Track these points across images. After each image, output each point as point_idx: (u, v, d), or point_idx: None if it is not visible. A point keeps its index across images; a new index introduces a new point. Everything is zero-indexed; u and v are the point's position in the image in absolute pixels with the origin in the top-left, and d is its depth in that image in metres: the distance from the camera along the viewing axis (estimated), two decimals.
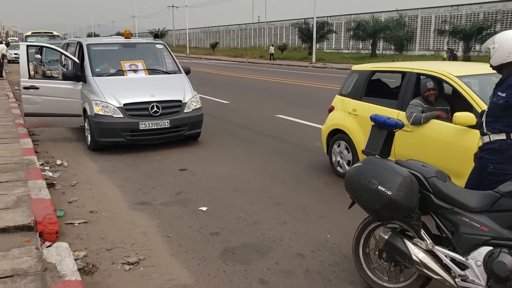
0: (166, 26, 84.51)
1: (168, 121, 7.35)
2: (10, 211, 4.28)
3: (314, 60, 38.78)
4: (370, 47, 42.74)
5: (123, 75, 7.81)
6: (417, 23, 44.19)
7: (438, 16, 42.08)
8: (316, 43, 43.22)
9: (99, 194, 5.47)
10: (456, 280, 2.86)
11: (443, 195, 2.95)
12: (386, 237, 3.12)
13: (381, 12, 47.85)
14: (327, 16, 53.22)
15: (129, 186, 5.75)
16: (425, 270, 2.95)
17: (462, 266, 2.86)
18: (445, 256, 2.93)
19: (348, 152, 5.90)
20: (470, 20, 37.55)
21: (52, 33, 24.46)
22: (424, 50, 42.82)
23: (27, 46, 7.86)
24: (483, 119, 3.51)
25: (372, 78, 5.99)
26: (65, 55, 8.32)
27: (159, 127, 7.29)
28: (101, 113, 7.06)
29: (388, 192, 2.84)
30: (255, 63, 41.71)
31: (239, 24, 72.77)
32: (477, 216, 2.84)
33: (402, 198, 2.83)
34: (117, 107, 7.09)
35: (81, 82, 7.80)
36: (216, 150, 7.64)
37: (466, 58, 32.03)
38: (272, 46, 47.00)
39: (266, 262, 3.80)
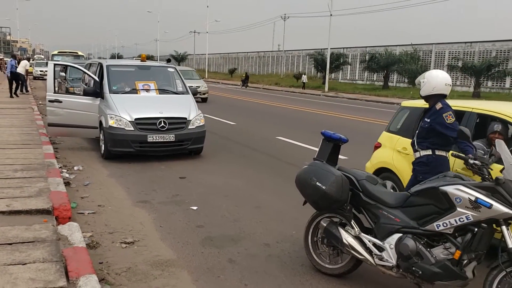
0: (187, 50, 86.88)
1: (174, 135, 8.29)
2: (33, 198, 5.20)
3: (326, 89, 39.81)
4: (383, 79, 43.64)
5: (137, 93, 8.84)
6: (431, 57, 45.12)
7: (451, 52, 42.97)
8: (331, 73, 44.35)
9: (107, 193, 6.38)
10: (375, 259, 3.66)
11: (369, 194, 3.78)
12: (325, 225, 3.95)
13: (396, 45, 48.97)
14: (343, 48, 54.58)
15: (134, 188, 6.65)
16: (353, 252, 3.76)
17: (380, 249, 3.67)
18: (369, 241, 3.74)
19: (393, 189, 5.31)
20: (483, 57, 38.28)
21: (77, 53, 25.95)
22: None
23: (55, 64, 8.97)
24: (414, 139, 4.39)
25: None
26: (87, 74, 9.40)
27: (165, 140, 8.24)
28: (115, 125, 8.05)
29: (323, 187, 3.69)
30: (269, 89, 42.92)
31: (258, 52, 74.67)
32: (393, 210, 3.66)
33: (333, 192, 3.67)
34: (129, 121, 8.08)
35: (99, 98, 8.83)
36: (215, 164, 8.53)
37: (476, 94, 32.68)
38: (305, 75, 46.77)
39: (237, 248, 4.62)
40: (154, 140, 8.16)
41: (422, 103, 5.03)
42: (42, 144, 8.46)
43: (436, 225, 3.39)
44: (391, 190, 3.90)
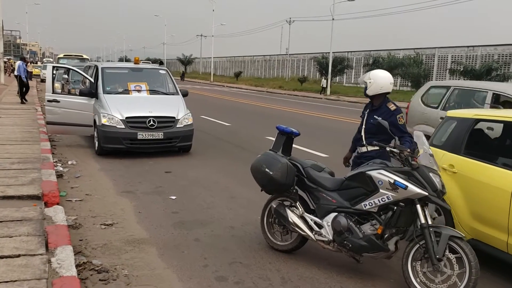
0: (193, 54, 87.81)
1: (162, 133, 8.87)
2: (25, 186, 5.79)
3: (328, 92, 40.31)
4: None
5: (129, 93, 9.46)
6: (434, 61, 45.47)
7: (454, 56, 43.31)
8: (335, 77, 44.79)
9: (95, 184, 6.96)
10: (315, 235, 4.19)
11: (312, 179, 4.31)
12: (275, 206, 4.50)
13: (400, 49, 49.36)
14: (347, 51, 55.04)
15: (121, 180, 7.22)
16: (297, 229, 4.30)
17: (320, 226, 4.20)
18: (310, 219, 4.27)
19: (440, 215, 4.73)
20: (485, 61, 38.55)
21: (82, 56, 26.67)
22: None
23: (53, 67, 9.61)
24: (362, 135, 4.86)
25: (475, 128, 4.84)
26: (82, 75, 10.02)
27: (154, 138, 8.82)
28: (107, 123, 8.64)
29: (270, 172, 4.24)
30: (273, 93, 43.49)
31: (264, 55, 75.33)
32: (331, 193, 4.20)
33: (279, 177, 4.21)
34: (120, 119, 8.67)
35: (94, 98, 9.44)
36: (201, 160, 9.09)
37: None
38: (325, 79, 43.03)
39: (205, 229, 5.17)
40: (143, 138, 8.74)
41: (472, 113, 4.75)
42: (41, 141, 9.07)
43: (364, 204, 3.92)
44: (329, 176, 4.39)
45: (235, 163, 8.88)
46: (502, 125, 5.29)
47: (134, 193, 6.55)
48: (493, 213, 4.11)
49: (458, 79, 39.28)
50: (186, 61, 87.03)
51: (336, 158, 8.94)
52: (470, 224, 4.34)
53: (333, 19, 39.51)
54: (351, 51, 55.78)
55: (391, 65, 41.83)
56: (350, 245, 3.93)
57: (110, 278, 3.87)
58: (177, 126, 9.10)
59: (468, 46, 42.71)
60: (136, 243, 4.69)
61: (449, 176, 4.55)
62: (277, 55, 71.98)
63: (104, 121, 8.68)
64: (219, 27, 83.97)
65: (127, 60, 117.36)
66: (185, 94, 10.08)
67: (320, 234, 4.16)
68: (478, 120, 4.74)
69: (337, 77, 51.56)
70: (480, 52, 41.20)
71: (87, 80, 10.00)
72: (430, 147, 4.85)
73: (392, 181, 3.73)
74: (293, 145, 4.78)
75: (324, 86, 42.36)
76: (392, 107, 4.72)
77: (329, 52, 41.98)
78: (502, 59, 37.74)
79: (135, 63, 10.42)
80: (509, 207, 3.93)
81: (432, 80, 44.62)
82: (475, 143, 4.86)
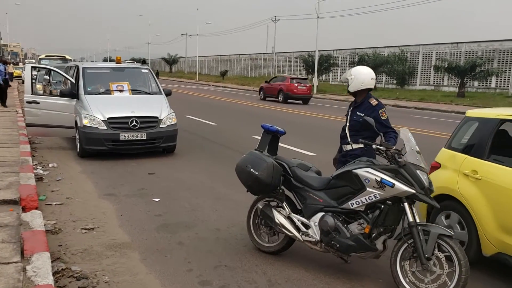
0: (178, 53, 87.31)
1: (145, 134, 8.69)
2: (1, 191, 5.60)
3: (315, 90, 40.29)
4: None
5: (110, 93, 9.25)
6: (418, 58, 45.76)
7: (438, 53, 43.63)
8: (321, 75, 44.84)
9: (77, 187, 6.76)
10: (302, 236, 4.08)
11: (299, 179, 4.20)
12: (261, 207, 4.38)
13: (385, 47, 49.62)
14: (332, 50, 55.18)
15: (102, 183, 7.03)
16: (284, 230, 4.18)
17: (307, 226, 4.09)
18: (297, 220, 4.16)
19: (463, 229, 4.30)
20: (469, 57, 38.90)
21: (64, 56, 26.19)
22: (425, 85, 44.24)
23: (31, 67, 9.37)
24: (346, 132, 4.76)
25: (500, 129, 4.41)
26: (63, 76, 9.79)
27: (137, 138, 8.64)
28: (88, 124, 8.44)
29: (256, 172, 4.11)
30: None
31: (250, 54, 75.21)
32: (317, 192, 4.09)
33: (264, 177, 4.09)
34: (102, 120, 8.47)
35: (75, 99, 9.22)
36: (185, 161, 8.93)
37: (461, 94, 33.31)
38: (317, 78, 42.14)
39: (189, 232, 5.03)
40: (126, 139, 8.55)
41: (496, 113, 4.39)
42: (20, 144, 8.83)
43: (351, 203, 3.82)
44: (316, 175, 4.29)
45: (221, 164, 8.74)
46: None
47: (116, 196, 6.37)
48: None
49: (442, 76, 39.76)
50: (171, 61, 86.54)
51: (323, 156, 8.87)
52: (498, 237, 3.93)
53: (318, 17, 39.53)
54: (337, 49, 55.96)
55: (377, 62, 42.02)
56: (338, 245, 3.83)
57: (90, 285, 3.71)
58: (161, 126, 8.93)
59: (452, 43, 43.09)
60: (118, 248, 4.53)
61: (472, 183, 4.19)
62: (263, 53, 71.88)
63: (85, 122, 8.47)
64: (204, 26, 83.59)
65: (112, 61, 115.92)
66: (168, 94, 9.90)
67: (307, 235, 4.06)
68: (503, 121, 4.30)
69: (324, 76, 51.71)
70: (464, 48, 41.58)
71: (69, 81, 9.76)
72: (449, 150, 4.66)
73: (379, 179, 3.63)
74: (280, 144, 4.66)
75: (316, 84, 41.40)
76: (373, 102, 4.62)
77: (315, 51, 41.99)
78: (486, 55, 38.12)
79: (117, 63, 10.21)
80: None
81: (417, 77, 44.98)
82: (501, 146, 4.39)
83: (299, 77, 30.56)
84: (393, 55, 45.04)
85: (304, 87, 27.00)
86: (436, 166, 4.78)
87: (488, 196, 4.04)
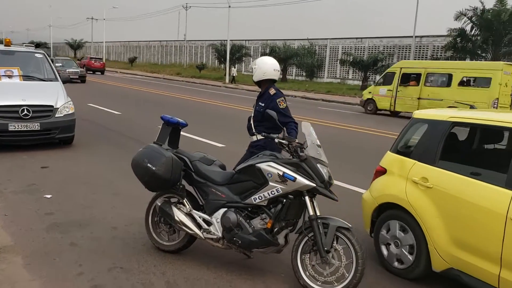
0: (84, 38, 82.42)
1: (39, 124, 7.95)
2: None
3: (227, 80, 40.28)
4: (282, 72, 45.15)
5: None
6: (326, 52, 47.51)
7: (344, 47, 45.62)
8: (234, 65, 44.96)
9: None
10: (204, 233, 3.92)
11: (201, 173, 4.02)
12: (160, 204, 4.14)
13: (295, 39, 50.84)
14: (244, 40, 55.46)
15: None
16: (184, 228, 3.98)
17: (209, 223, 3.93)
18: (199, 217, 3.98)
19: (410, 253, 3.94)
20: (372, 51, 41.14)
21: None
22: (332, 77, 46.10)
23: None
24: (251, 123, 4.69)
25: (452, 132, 4.07)
26: None
27: (29, 129, 7.87)
28: None
29: (153, 168, 3.85)
30: (170, 79, 42.45)
31: (160, 41, 73.15)
32: (220, 187, 3.93)
33: (162, 172, 3.85)
34: None
35: None
36: (84, 153, 8.34)
37: (364, 87, 35.16)
38: (234, 68, 42.82)
39: (83, 232, 4.63)
40: (16, 129, 7.76)
41: (447, 115, 4.01)
42: None
43: (254, 198, 3.72)
44: (219, 169, 4.15)
45: (122, 156, 8.26)
46: (483, 129, 4.27)
47: (1, 192, 5.74)
48: (482, 240, 3.41)
49: (348, 69, 41.75)
50: (75, 46, 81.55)
51: (233, 148, 8.77)
52: (450, 251, 3.62)
53: (229, 6, 39.41)
54: (249, 39, 56.32)
55: (287, 54, 42.98)
56: (240, 242, 3.72)
57: None
58: (56, 116, 8.22)
59: (356, 38, 45.28)
60: None
61: (422, 192, 3.84)
62: (174, 41, 70.28)
63: None
64: (111, 10, 79.61)
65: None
66: (66, 81, 9.16)
67: (209, 232, 3.90)
68: (455, 123, 3.95)
69: (236, 66, 51.86)
70: (367, 43, 43.89)
71: None
72: (395, 154, 4.29)
73: (281, 173, 3.57)
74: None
75: (234, 74, 40.93)
76: (272, 91, 4.60)
77: (227, 40, 41.88)
78: (387, 50, 40.60)
79: (5, 45, 9.22)
80: (504, 233, 3.26)
81: (325, 70, 46.75)
82: (453, 151, 4.10)
83: (96, 57, 46.90)
84: (303, 47, 46.34)
85: (99, 64, 43.23)
86: (381, 171, 4.38)
87: (440, 206, 3.70)
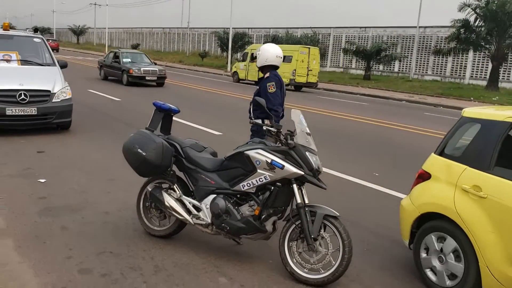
0: (87, 24, 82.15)
1: (36, 108, 7.97)
2: None
3: (229, 69, 40.10)
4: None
5: None
6: (329, 41, 47.22)
7: (348, 36, 45.32)
8: (237, 53, 44.77)
9: None
10: (193, 219, 3.94)
11: (191, 160, 4.03)
12: (151, 189, 4.16)
13: (298, 28, 50.53)
14: (247, 28, 55.16)
15: None
16: (174, 213, 4.01)
17: (198, 209, 3.95)
18: (189, 202, 4.01)
19: (458, 260, 3.45)
20: (376, 41, 40.84)
21: None
22: (334, 67, 45.88)
23: None
24: (250, 107, 4.79)
25: (510, 134, 3.49)
26: None
27: (26, 114, 7.89)
28: None
29: (143, 153, 3.87)
30: (172, 67, 42.29)
31: (163, 28, 72.79)
32: (210, 174, 3.95)
33: (153, 158, 3.87)
34: None
35: None
36: (81, 138, 8.36)
37: (367, 77, 35.02)
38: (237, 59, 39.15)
39: (74, 216, 4.67)
40: (13, 114, 7.77)
41: (503, 115, 3.53)
42: None
43: (242, 185, 3.74)
44: (210, 156, 4.17)
45: (119, 142, 8.04)
46: None
47: None
48: None
49: (351, 59, 41.60)
50: (78, 31, 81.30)
51: (231, 136, 8.77)
52: (504, 270, 3.15)
53: None
54: (252, 28, 56.01)
55: (290, 43, 42.71)
56: (228, 228, 3.75)
57: None
58: (53, 100, 8.23)
59: (360, 27, 44.95)
60: None
61: (474, 202, 3.35)
62: (177, 28, 69.92)
63: None
64: None
65: (12, 28, 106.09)
66: (63, 66, 9.15)
67: (198, 218, 3.92)
68: None
69: (238, 53, 51.59)
70: (371, 33, 43.58)
71: None
72: (442, 157, 3.81)
73: (269, 160, 3.58)
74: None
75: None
76: (266, 75, 4.79)
77: (229, 28, 41.65)
78: (390, 40, 40.33)
79: (4, 30, 9.21)
80: None
81: (328, 59, 46.54)
82: (509, 156, 3.48)
83: (49, 38, 53.87)
84: (306, 36, 46.06)
85: (54, 44, 49.47)
86: (424, 176, 3.90)
87: (495, 219, 3.21)
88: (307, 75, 24.53)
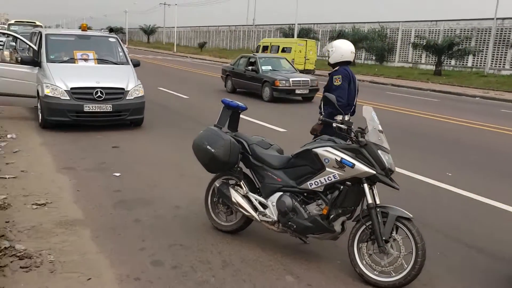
0: (156, 23, 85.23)
1: (111, 105, 8.37)
2: None
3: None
4: None
5: (74, 62, 8.85)
6: (398, 35, 45.65)
7: (418, 30, 43.55)
8: None
9: (34, 159, 6.48)
10: (260, 216, 3.95)
11: (258, 157, 4.04)
12: (218, 185, 4.22)
13: (365, 23, 49.32)
14: (313, 24, 54.64)
15: (62, 156, 6.75)
16: (240, 209, 4.04)
17: (264, 206, 3.95)
18: (255, 199, 4.02)
19: None
20: (448, 35, 38.96)
21: (35, 22, 25.21)
22: (403, 62, 44.29)
23: None
24: (321, 103, 4.77)
25: None
26: (24, 42, 9.32)
27: (102, 110, 8.31)
28: (50, 94, 8.07)
29: (212, 150, 3.93)
30: None
31: (229, 26, 73.88)
32: (276, 171, 3.94)
33: (221, 155, 3.92)
34: (64, 90, 8.10)
35: (37, 67, 8.79)
36: (152, 135, 8.67)
37: (438, 72, 33.46)
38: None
39: (147, 210, 4.84)
40: (90, 110, 8.22)
41: None
42: None
43: (310, 183, 3.69)
44: (276, 153, 4.15)
45: (189, 138, 8.34)
46: None
47: (75, 170, 6.12)
48: None
49: (420, 53, 39.92)
50: (149, 31, 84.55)
51: (294, 133, 8.73)
52: None
53: None
54: (317, 23, 55.41)
55: (356, 38, 41.75)
56: (295, 226, 3.72)
57: (33, 265, 3.52)
58: (127, 98, 8.61)
59: (431, 21, 43.04)
60: (69, 225, 4.32)
61: None
62: (242, 25, 70.71)
63: (47, 91, 8.10)
64: None
65: (89, 28, 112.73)
66: (136, 64, 9.55)
67: (265, 215, 3.92)
68: None
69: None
70: (443, 26, 41.57)
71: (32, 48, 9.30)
72: None
73: (338, 159, 3.50)
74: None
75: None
76: (336, 68, 4.78)
77: (295, 24, 41.49)
78: (464, 34, 38.25)
79: (82, 30, 9.76)
80: None
81: (396, 54, 45.03)
82: None
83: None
84: (373, 31, 44.84)
85: None
86: None
87: None
88: (304, 63, 29.19)
